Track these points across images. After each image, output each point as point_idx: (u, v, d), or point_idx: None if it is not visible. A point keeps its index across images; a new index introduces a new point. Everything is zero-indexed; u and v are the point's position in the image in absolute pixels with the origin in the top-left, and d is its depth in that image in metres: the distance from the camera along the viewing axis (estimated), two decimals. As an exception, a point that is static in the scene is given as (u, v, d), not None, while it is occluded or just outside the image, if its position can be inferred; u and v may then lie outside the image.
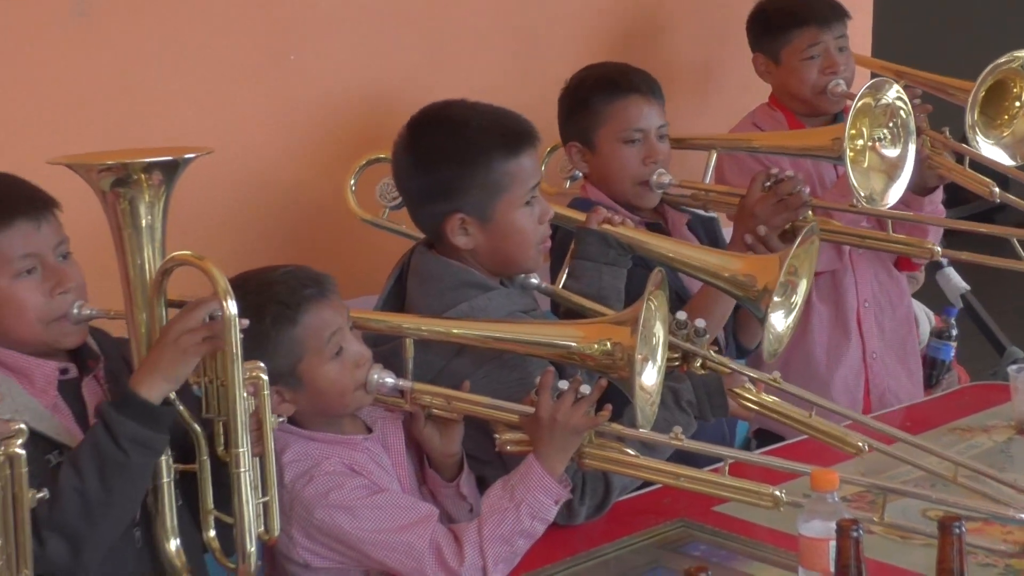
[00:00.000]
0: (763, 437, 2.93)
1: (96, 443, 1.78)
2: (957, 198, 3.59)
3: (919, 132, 2.78)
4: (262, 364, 1.82)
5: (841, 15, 3.08)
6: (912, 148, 2.71)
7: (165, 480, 1.85)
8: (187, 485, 1.90)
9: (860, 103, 2.65)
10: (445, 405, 2.07)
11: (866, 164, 2.72)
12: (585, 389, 2.01)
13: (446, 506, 2.14)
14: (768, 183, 2.60)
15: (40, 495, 1.63)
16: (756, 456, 2.31)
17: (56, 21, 2.45)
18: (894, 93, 2.70)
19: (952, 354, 3.35)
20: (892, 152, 2.73)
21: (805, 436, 2.24)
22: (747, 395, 2.25)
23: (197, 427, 1.86)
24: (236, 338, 1.75)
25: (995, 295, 4.27)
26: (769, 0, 3.12)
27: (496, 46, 3.08)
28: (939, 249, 2.68)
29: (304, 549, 2.01)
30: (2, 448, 1.56)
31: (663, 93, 2.71)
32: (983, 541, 2.03)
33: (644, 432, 2.04)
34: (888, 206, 2.70)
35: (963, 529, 1.60)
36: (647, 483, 2.23)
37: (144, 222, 1.82)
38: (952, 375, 3.36)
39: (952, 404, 2.85)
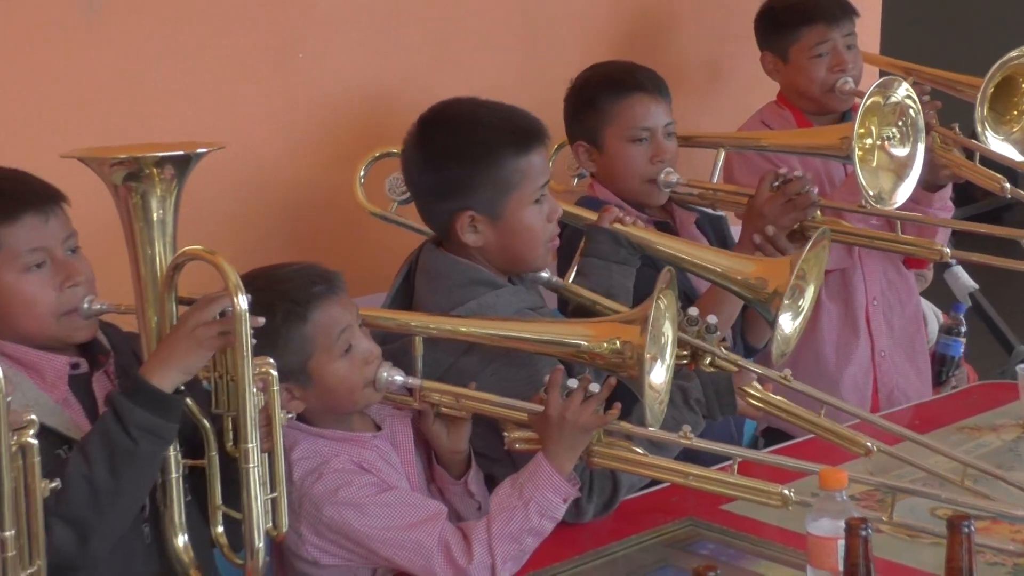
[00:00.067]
0: (771, 436, 2.92)
1: (106, 431, 1.78)
2: (966, 196, 3.59)
3: (928, 128, 2.77)
4: (272, 360, 1.83)
5: (849, 13, 3.07)
6: (921, 147, 2.71)
7: (173, 475, 1.86)
8: (196, 481, 1.90)
9: (869, 102, 2.64)
10: (454, 403, 2.07)
11: (875, 163, 2.71)
12: (594, 387, 2.01)
13: (454, 504, 2.14)
14: (777, 183, 2.60)
15: (53, 485, 1.63)
16: (764, 455, 2.31)
17: (65, 19, 2.45)
18: (903, 91, 2.69)
19: (961, 350, 3.35)
20: (901, 151, 2.72)
21: (813, 435, 2.24)
22: (755, 394, 2.25)
23: (206, 422, 1.86)
24: (247, 333, 1.75)
25: (1004, 294, 4.26)
26: (777, -3, 3.12)
27: (501, 45, 3.08)
28: (948, 250, 2.67)
29: (313, 546, 2.02)
30: (15, 438, 1.56)
31: (670, 91, 2.71)
32: (991, 540, 2.03)
33: (653, 431, 2.04)
34: (897, 205, 2.69)
35: (972, 528, 1.60)
36: (655, 482, 2.23)
37: (155, 216, 1.82)
38: (962, 371, 3.36)
39: (960, 403, 2.85)
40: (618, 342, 2.03)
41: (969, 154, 2.93)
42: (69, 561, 1.71)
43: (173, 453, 1.85)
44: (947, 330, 3.36)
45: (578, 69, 2.76)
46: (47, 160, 1.93)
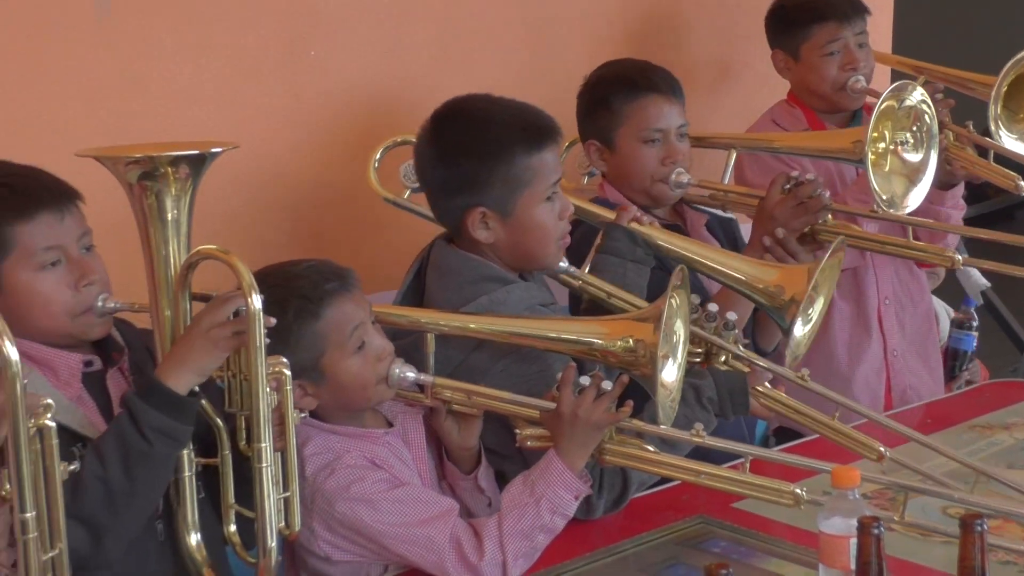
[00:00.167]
0: (782, 435, 2.92)
1: (121, 432, 1.78)
2: (978, 193, 3.59)
3: (942, 127, 2.76)
4: (285, 359, 1.83)
5: (861, 11, 3.07)
6: (935, 154, 2.69)
7: (187, 474, 1.86)
8: (209, 478, 1.91)
9: (884, 105, 2.62)
10: (465, 400, 2.07)
11: (887, 168, 2.70)
12: (607, 385, 2.01)
13: (464, 499, 2.14)
14: (788, 185, 2.60)
15: (72, 467, 1.63)
16: (776, 453, 2.31)
17: (76, 19, 2.46)
18: (918, 96, 2.67)
19: (974, 344, 3.34)
20: (914, 157, 2.70)
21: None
22: (770, 394, 2.25)
23: (219, 421, 1.87)
24: (260, 334, 1.75)
25: (1016, 292, 4.25)
26: (788, -4, 3.12)
27: (508, 43, 3.08)
28: (960, 258, 2.66)
29: (325, 542, 2.02)
30: (32, 421, 1.56)
31: (683, 92, 2.70)
32: (1002, 540, 2.03)
33: (665, 429, 2.04)
34: (908, 210, 2.68)
35: (985, 527, 1.60)
36: (666, 479, 2.23)
37: (170, 216, 1.82)
38: (975, 365, 3.35)
39: (972, 401, 2.84)
40: (631, 340, 2.03)
41: (983, 152, 2.92)
42: (83, 561, 1.71)
43: (186, 452, 1.85)
44: (959, 324, 3.35)
45: (585, 68, 2.76)
46: (59, 158, 1.94)
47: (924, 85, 2.78)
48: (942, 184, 2.91)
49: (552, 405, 2.03)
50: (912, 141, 2.71)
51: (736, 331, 2.19)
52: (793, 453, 2.36)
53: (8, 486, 1.56)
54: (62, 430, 1.78)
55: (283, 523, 1.82)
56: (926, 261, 2.91)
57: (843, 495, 1.77)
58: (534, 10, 3.13)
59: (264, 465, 1.78)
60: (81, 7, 2.47)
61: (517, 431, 2.08)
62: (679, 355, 2.09)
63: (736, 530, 2.15)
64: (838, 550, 1.75)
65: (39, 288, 1.87)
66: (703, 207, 2.78)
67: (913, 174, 2.71)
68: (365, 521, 1.99)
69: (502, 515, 2.00)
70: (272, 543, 1.80)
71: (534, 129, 2.26)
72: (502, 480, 2.15)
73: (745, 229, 2.80)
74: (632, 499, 2.22)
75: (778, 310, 2.27)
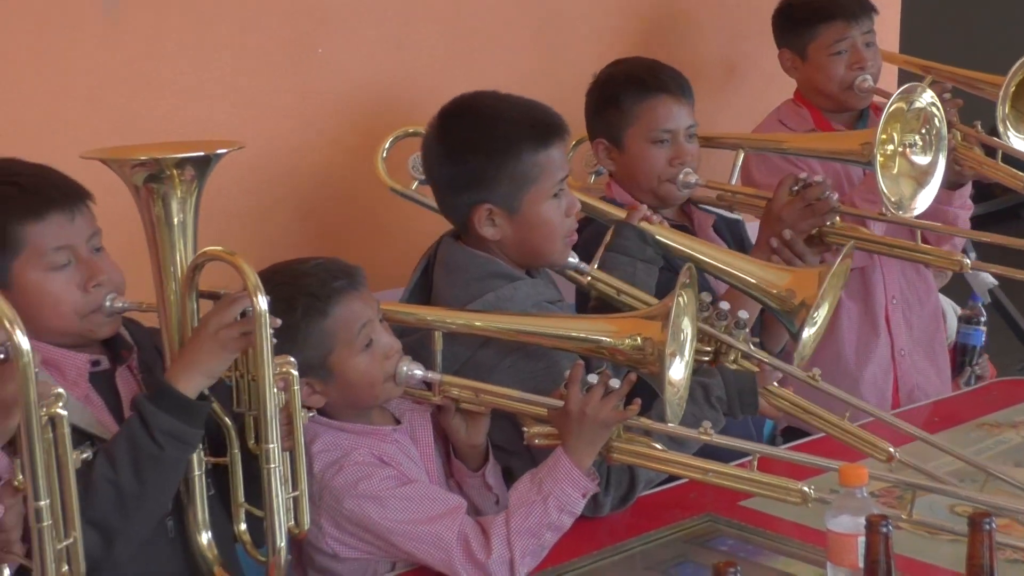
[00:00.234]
0: (790, 436, 2.92)
1: (131, 435, 1.79)
2: (985, 192, 3.58)
3: (950, 126, 2.76)
4: (292, 359, 1.83)
5: (868, 10, 3.06)
6: (943, 157, 2.68)
7: (196, 473, 1.87)
8: (219, 476, 1.91)
9: (893, 107, 2.61)
10: (473, 398, 2.07)
11: (895, 170, 2.69)
12: (614, 383, 2.01)
13: (472, 497, 2.14)
14: (796, 187, 2.60)
15: (84, 456, 1.64)
16: (783, 452, 2.30)
17: (84, 17, 2.47)
18: (928, 98, 2.66)
19: (983, 339, 3.34)
20: (923, 159, 2.70)
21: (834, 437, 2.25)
22: (779, 394, 2.25)
23: (228, 420, 1.87)
24: (267, 335, 1.75)
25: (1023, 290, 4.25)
26: (795, -5, 3.11)
27: (516, 41, 3.08)
28: (968, 261, 2.66)
29: (333, 539, 2.03)
30: (44, 409, 1.57)
31: (693, 92, 2.70)
32: (1011, 539, 2.02)
33: (673, 427, 2.05)
34: (916, 213, 2.67)
35: (993, 525, 1.59)
36: (673, 477, 2.23)
37: (176, 220, 1.82)
38: (984, 360, 3.35)
39: (980, 399, 2.84)
40: (639, 338, 2.03)
41: (991, 152, 2.92)
42: (94, 563, 1.71)
43: (196, 451, 1.86)
44: (967, 319, 3.35)
45: (592, 67, 2.75)
46: (66, 156, 1.94)
47: (931, 85, 2.78)
48: (950, 184, 2.91)
49: (560, 403, 2.03)
50: (921, 144, 2.70)
51: (746, 329, 2.18)
52: (800, 451, 2.36)
53: (21, 476, 1.56)
54: (71, 429, 1.79)
55: (292, 522, 1.82)
56: (935, 265, 2.91)
57: (851, 493, 1.77)
58: (541, 8, 3.13)
59: (272, 465, 1.78)
60: (89, 6, 2.47)
61: (525, 429, 2.08)
62: (687, 353, 2.09)
63: (744, 528, 2.15)
64: (846, 548, 1.75)
65: (49, 288, 1.87)
66: (710, 208, 2.78)
67: (921, 176, 2.71)
68: (373, 518, 1.99)
69: (509, 513, 2.01)
70: (282, 543, 1.80)
71: (542, 126, 2.26)
72: (509, 477, 2.16)
73: (751, 229, 2.80)
74: (639, 497, 2.23)
75: (788, 314, 2.27)
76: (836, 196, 2.61)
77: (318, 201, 2.81)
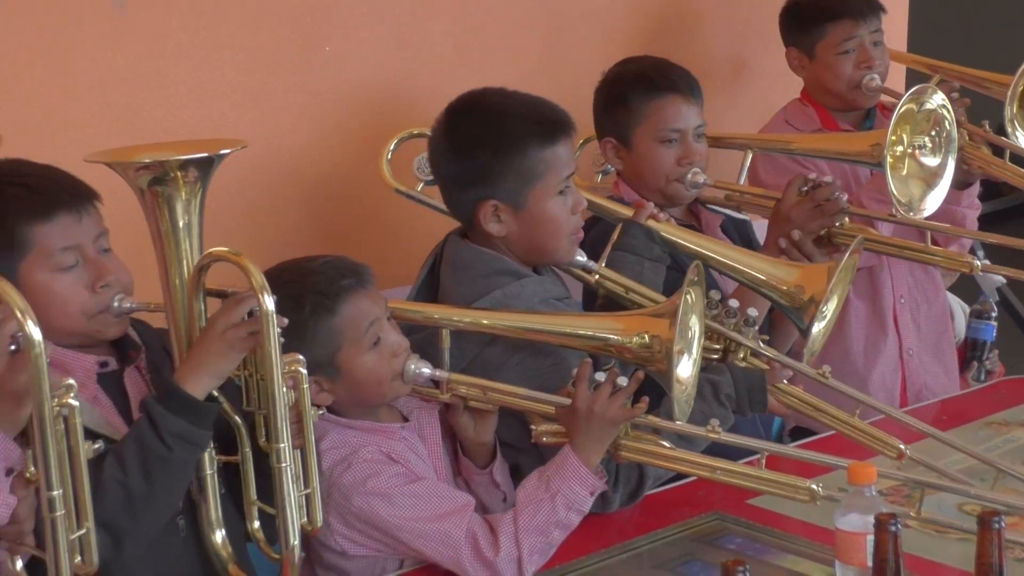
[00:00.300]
0: (798, 435, 2.91)
1: (140, 437, 1.79)
2: (992, 191, 3.57)
3: (957, 126, 2.75)
4: (301, 357, 1.83)
5: (876, 9, 3.06)
6: (953, 159, 2.68)
7: (208, 472, 1.87)
8: (229, 474, 1.91)
9: (903, 108, 2.61)
10: (481, 395, 2.08)
11: (905, 171, 2.68)
12: (622, 381, 2.01)
13: (479, 494, 2.14)
14: (805, 188, 2.59)
15: (96, 447, 1.64)
16: (791, 449, 2.30)
17: (92, 16, 2.47)
18: (938, 100, 2.65)
19: (993, 334, 3.33)
20: (932, 161, 2.69)
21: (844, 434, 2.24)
22: (789, 391, 2.24)
23: (238, 419, 1.87)
24: (274, 334, 1.75)
25: (1032, 289, 4.24)
26: (803, -6, 3.11)
27: (524, 40, 3.08)
28: (979, 263, 2.65)
29: (341, 536, 2.03)
30: (56, 400, 1.57)
31: (702, 91, 2.70)
32: (1020, 537, 2.02)
33: (681, 425, 2.04)
34: (925, 214, 2.67)
35: (1003, 524, 1.59)
36: (681, 475, 2.22)
37: (182, 222, 1.82)
38: (995, 355, 3.34)
39: (988, 398, 2.84)
40: (647, 336, 2.03)
41: (998, 151, 2.91)
42: (103, 564, 1.71)
43: (207, 450, 1.86)
44: (977, 315, 3.34)
45: (600, 65, 2.75)
46: (73, 155, 1.93)
47: (939, 84, 2.77)
48: (958, 183, 2.90)
49: (567, 401, 2.03)
50: (930, 145, 2.70)
51: (755, 327, 2.18)
52: (809, 449, 2.36)
53: (33, 468, 1.57)
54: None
55: (305, 519, 1.83)
56: (945, 267, 2.90)
57: (860, 491, 1.77)
58: (548, 8, 3.13)
59: (284, 464, 1.79)
60: (98, 4, 2.47)
61: (532, 427, 2.08)
62: (694, 350, 2.09)
63: (752, 526, 2.14)
64: (855, 547, 1.75)
65: (56, 289, 1.86)
66: (718, 208, 2.78)
67: (931, 178, 2.70)
68: (381, 515, 1.99)
69: (517, 511, 2.01)
70: (295, 540, 1.80)
71: (548, 123, 2.26)
72: (517, 474, 2.16)
73: (759, 230, 2.80)
74: (647, 495, 2.22)
75: (797, 310, 2.27)
76: (846, 197, 2.60)
77: (324, 200, 2.81)
